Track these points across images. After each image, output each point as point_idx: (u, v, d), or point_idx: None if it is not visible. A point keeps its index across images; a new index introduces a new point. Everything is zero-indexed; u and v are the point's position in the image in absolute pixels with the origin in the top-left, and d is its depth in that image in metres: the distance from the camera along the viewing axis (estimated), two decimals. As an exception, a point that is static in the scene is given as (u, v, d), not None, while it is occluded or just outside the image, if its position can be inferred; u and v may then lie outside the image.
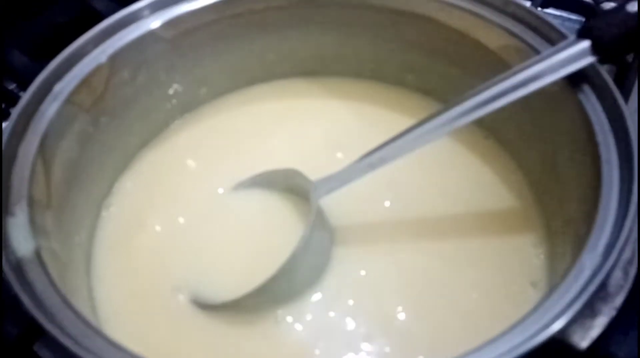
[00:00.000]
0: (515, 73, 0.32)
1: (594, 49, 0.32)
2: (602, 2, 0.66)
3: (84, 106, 0.36)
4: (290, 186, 0.39)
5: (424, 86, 0.46)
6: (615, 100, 0.30)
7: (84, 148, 0.36)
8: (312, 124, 0.46)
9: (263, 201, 0.39)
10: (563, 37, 0.35)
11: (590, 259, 0.24)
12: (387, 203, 0.40)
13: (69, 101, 0.34)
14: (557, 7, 0.67)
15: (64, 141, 0.34)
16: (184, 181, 0.41)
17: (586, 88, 0.32)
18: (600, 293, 0.23)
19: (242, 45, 0.45)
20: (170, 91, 0.43)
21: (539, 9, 0.63)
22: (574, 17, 0.67)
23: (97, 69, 0.36)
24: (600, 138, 0.29)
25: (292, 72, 0.48)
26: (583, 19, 0.67)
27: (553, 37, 0.35)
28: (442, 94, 0.45)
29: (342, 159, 0.41)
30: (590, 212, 0.27)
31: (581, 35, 0.33)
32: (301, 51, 0.46)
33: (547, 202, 0.37)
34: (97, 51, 0.37)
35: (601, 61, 0.32)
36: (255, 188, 0.40)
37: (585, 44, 0.32)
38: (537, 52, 0.35)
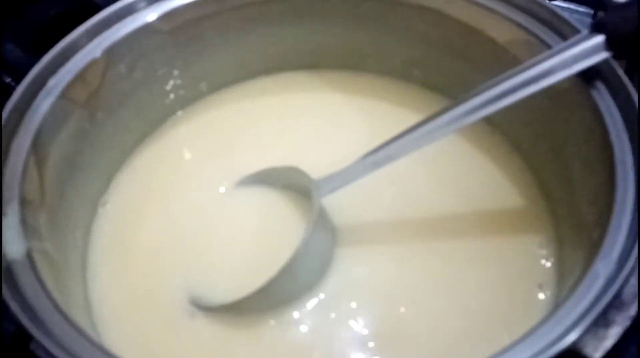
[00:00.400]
0: (525, 69, 0.31)
1: (609, 44, 0.31)
2: (611, -6, 0.65)
3: (79, 101, 0.35)
4: (292, 184, 0.38)
5: (430, 80, 0.45)
6: (630, 98, 0.29)
7: (79, 145, 0.35)
8: (314, 119, 0.45)
9: (264, 200, 0.38)
10: (575, 31, 0.33)
11: (604, 266, 0.23)
12: (390, 201, 0.38)
13: (64, 96, 0.33)
14: (565, -2, 0.66)
15: (58, 138, 0.33)
16: (183, 177, 0.40)
17: (599, 85, 0.31)
18: (614, 302, 0.22)
19: (243, 38, 0.43)
20: (169, 86, 0.42)
21: (548, 0, 0.61)
22: (582, 9, 0.66)
23: (92, 64, 0.35)
24: (614, 137, 0.28)
25: (293, 65, 0.47)
26: (592, 11, 0.65)
27: (565, 32, 0.34)
28: (449, 89, 0.44)
29: (345, 154, 0.40)
30: (604, 215, 0.26)
31: (595, 29, 0.31)
32: (303, 43, 0.45)
33: (557, 202, 0.35)
34: (92, 45, 0.36)
35: (615, 56, 0.31)
36: (256, 185, 0.39)
37: (599, 38, 0.31)
38: (548, 46, 0.34)
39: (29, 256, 0.26)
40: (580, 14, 0.67)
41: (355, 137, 0.43)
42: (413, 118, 0.43)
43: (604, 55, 0.30)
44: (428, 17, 0.40)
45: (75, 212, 0.35)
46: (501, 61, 0.37)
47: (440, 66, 0.43)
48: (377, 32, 0.43)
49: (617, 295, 0.22)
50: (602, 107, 0.30)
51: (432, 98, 0.45)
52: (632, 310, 0.22)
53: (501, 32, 0.37)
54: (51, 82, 0.33)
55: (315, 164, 0.39)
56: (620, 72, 0.30)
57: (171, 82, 0.42)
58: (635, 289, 0.23)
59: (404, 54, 0.44)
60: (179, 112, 0.44)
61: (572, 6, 0.67)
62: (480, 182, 0.39)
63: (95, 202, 0.38)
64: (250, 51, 0.45)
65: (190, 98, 0.45)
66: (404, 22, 0.41)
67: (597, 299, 0.22)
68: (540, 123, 0.36)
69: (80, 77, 0.34)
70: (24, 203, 0.28)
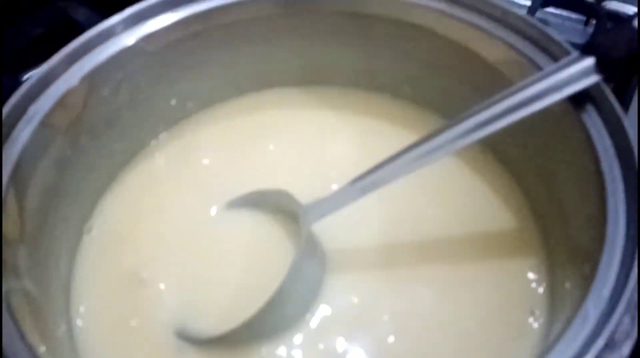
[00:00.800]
0: (515, 92, 0.31)
1: (599, 67, 0.30)
2: (603, 1, 0.65)
3: (61, 127, 0.34)
4: (282, 207, 0.37)
5: (420, 97, 0.44)
6: (621, 124, 0.28)
7: (62, 172, 0.34)
8: (305, 137, 0.44)
9: (252, 223, 0.38)
10: (566, 52, 0.33)
11: (595, 305, 0.23)
12: (380, 224, 0.38)
13: (45, 123, 0.32)
14: (557, 6, 0.66)
15: (39, 167, 0.32)
16: (171, 200, 0.40)
17: (590, 109, 0.31)
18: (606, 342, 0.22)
19: (230, 55, 0.43)
20: (154, 106, 0.41)
21: (541, 7, 0.61)
22: (574, 16, 0.66)
23: (74, 89, 0.34)
24: (605, 167, 0.27)
25: (283, 81, 0.46)
26: (584, 18, 0.65)
27: (555, 52, 0.34)
28: (439, 106, 0.43)
29: (336, 173, 0.40)
30: (595, 247, 0.26)
31: (585, 51, 0.31)
32: (292, 60, 0.45)
33: (549, 225, 0.35)
34: (73, 69, 0.35)
35: (606, 79, 0.30)
36: (244, 208, 0.38)
37: (590, 61, 0.30)
38: (537, 67, 0.34)
39: (6, 299, 0.25)
40: (572, 21, 0.67)
41: (346, 154, 0.43)
42: (402, 133, 0.44)
43: (594, 78, 0.30)
44: (417, 34, 0.39)
45: (58, 242, 0.34)
46: (491, 80, 0.37)
47: (431, 82, 0.42)
48: (366, 50, 0.43)
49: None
50: (593, 133, 0.29)
51: (422, 114, 0.44)
52: (625, 350, 0.22)
53: (491, 51, 0.36)
54: (31, 109, 0.32)
55: (306, 183, 0.39)
56: (611, 97, 0.30)
57: (157, 102, 0.41)
58: (628, 327, 0.22)
59: (393, 70, 0.43)
60: (166, 132, 0.43)
61: (564, 13, 0.67)
62: (471, 202, 0.39)
63: (80, 229, 0.37)
64: (239, 68, 0.44)
65: (177, 117, 0.44)
66: (393, 40, 0.41)
67: (589, 342, 0.21)
68: (530, 144, 0.36)
69: (61, 103, 0.33)
70: (2, 241, 0.27)
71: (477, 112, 0.31)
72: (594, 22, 0.62)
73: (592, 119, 0.30)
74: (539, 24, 0.35)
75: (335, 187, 0.39)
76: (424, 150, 0.32)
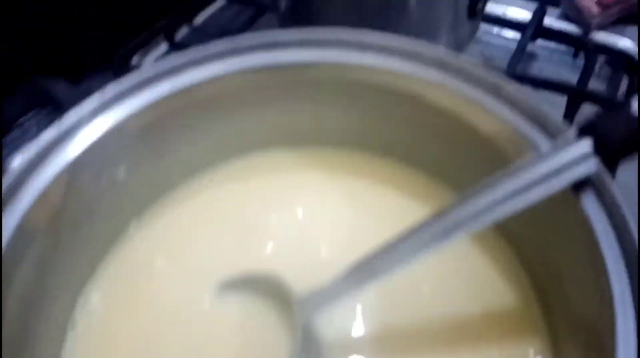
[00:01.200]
0: (511, 177, 0.30)
1: (597, 149, 0.29)
2: (589, 33, 0.65)
3: (40, 227, 0.32)
4: (274, 292, 0.36)
5: (412, 159, 0.43)
6: (624, 218, 0.27)
7: (42, 272, 0.32)
8: (293, 201, 0.43)
9: (245, 313, 0.36)
10: (561, 128, 0.32)
11: None
12: (374, 303, 0.36)
13: (22, 226, 0.31)
14: (546, 38, 0.66)
15: (17, 274, 0.30)
16: (155, 285, 0.37)
17: (589, 194, 0.29)
18: None
19: (214, 124, 0.41)
20: (139, 184, 0.40)
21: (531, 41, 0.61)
22: (563, 48, 0.66)
23: (53, 184, 0.32)
24: (610, 265, 0.26)
25: (269, 143, 0.45)
26: (573, 49, 0.65)
27: (549, 127, 0.33)
28: (431, 168, 0.42)
29: (328, 241, 0.40)
30: (602, 352, 0.25)
31: (583, 132, 0.30)
32: (278, 123, 0.43)
33: (552, 306, 0.34)
34: (51, 161, 0.33)
35: (602, 160, 0.30)
36: (236, 292, 0.37)
37: (587, 144, 0.29)
38: (532, 143, 0.33)
39: None
40: (561, 53, 0.67)
41: (339, 219, 0.42)
42: (395, 196, 0.43)
43: (594, 165, 0.29)
44: (408, 102, 0.38)
45: (41, 348, 0.32)
46: (483, 150, 0.36)
47: (422, 148, 0.41)
48: (356, 115, 0.42)
49: None
50: (596, 226, 0.28)
51: (414, 175, 0.43)
52: None
53: (482, 122, 0.36)
54: (7, 212, 0.31)
55: (300, 254, 0.39)
56: (610, 185, 0.29)
57: (142, 180, 0.40)
58: None
59: (385, 135, 0.42)
60: (149, 210, 0.41)
61: (553, 45, 0.67)
62: (472, 277, 0.37)
63: (64, 327, 0.35)
64: (223, 135, 0.43)
65: (160, 192, 0.42)
66: (383, 106, 0.40)
67: None
68: (529, 218, 0.34)
69: (40, 201, 0.31)
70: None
71: (472, 200, 0.30)
72: (583, 53, 0.62)
73: (592, 208, 0.29)
74: (534, 99, 0.34)
75: (324, 254, 0.39)
76: (418, 241, 0.31)
